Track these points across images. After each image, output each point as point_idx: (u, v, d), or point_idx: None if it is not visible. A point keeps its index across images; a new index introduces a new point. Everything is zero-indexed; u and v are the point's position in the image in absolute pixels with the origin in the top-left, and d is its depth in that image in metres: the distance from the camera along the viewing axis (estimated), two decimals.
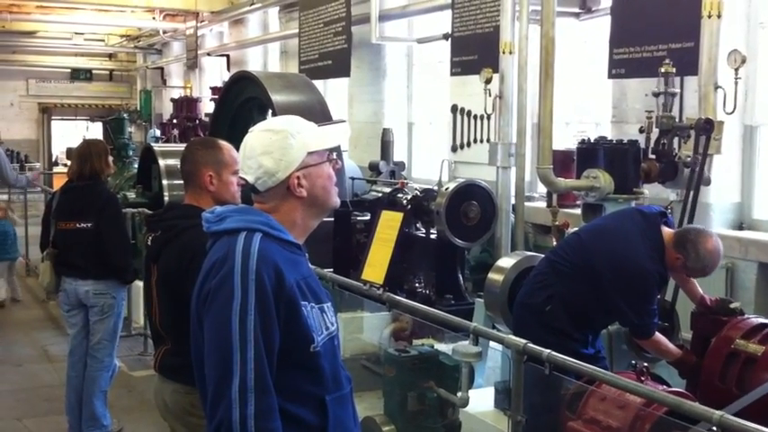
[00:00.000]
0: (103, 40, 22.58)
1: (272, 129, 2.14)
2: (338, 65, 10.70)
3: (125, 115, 11.77)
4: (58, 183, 14.80)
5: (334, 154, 2.21)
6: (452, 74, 8.30)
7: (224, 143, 3.21)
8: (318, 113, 6.93)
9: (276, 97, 7.13)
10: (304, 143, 2.12)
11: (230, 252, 2.01)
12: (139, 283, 6.67)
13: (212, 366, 1.96)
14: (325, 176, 2.16)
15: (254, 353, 1.92)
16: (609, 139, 5.11)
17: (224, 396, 1.91)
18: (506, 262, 4.95)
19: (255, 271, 1.97)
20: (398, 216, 5.73)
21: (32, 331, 7.98)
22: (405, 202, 6.53)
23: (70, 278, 5.20)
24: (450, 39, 8.35)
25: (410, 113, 11.34)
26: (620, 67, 6.18)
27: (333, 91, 11.89)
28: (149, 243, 3.24)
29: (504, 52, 5.70)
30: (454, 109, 8.97)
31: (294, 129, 2.14)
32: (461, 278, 6.13)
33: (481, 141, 8.42)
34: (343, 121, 2.37)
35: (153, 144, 10.12)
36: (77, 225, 5.18)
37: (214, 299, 1.99)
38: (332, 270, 5.66)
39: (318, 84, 9.47)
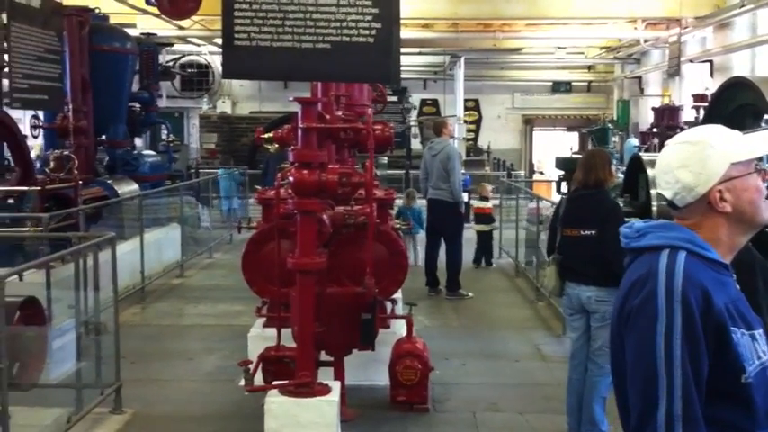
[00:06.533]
0: (583, 53, 23.38)
1: (689, 140, 2.01)
2: None
3: (609, 125, 11.93)
4: (537, 189, 15.64)
5: (766, 164, 2.00)
6: None
7: None
8: None
9: None
10: (725, 153, 1.96)
11: (652, 270, 1.91)
12: None
13: (636, 390, 1.89)
14: (753, 189, 1.98)
15: (681, 379, 1.82)
16: None
17: (649, 423, 1.84)
18: None
19: (681, 292, 1.85)
20: None
21: (524, 330, 8.39)
22: None
23: (573, 283, 5.35)
24: None
25: None
26: None
27: None
28: None
29: None
30: None
31: (714, 139, 1.98)
32: None
33: None
34: None
35: (641, 154, 10.09)
36: (581, 232, 5.33)
37: (636, 319, 1.91)
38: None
39: None
